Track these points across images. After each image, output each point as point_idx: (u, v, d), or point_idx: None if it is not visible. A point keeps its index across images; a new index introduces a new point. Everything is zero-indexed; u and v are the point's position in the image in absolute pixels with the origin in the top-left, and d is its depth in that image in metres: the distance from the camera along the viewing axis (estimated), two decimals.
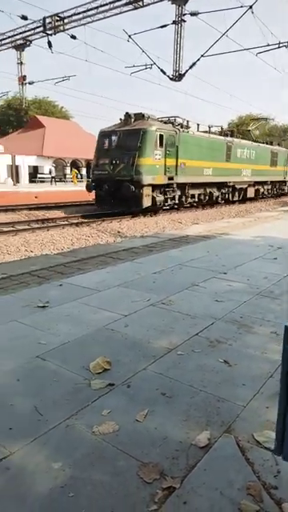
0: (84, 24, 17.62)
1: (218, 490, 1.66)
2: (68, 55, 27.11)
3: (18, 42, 21.60)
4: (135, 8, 15.55)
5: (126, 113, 16.08)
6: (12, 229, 11.37)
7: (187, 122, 17.87)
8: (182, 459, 1.83)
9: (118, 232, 11.80)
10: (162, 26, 14.74)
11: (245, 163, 22.31)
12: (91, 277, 5.11)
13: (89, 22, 17.30)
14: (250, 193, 23.89)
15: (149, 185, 14.90)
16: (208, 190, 19.31)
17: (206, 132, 19.51)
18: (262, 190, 25.74)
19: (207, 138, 18.82)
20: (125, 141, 15.06)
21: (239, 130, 31.72)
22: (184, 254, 6.59)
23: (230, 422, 2.11)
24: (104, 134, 16.08)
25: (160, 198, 15.82)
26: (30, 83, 23.77)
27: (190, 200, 18.08)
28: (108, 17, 16.67)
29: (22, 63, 23.49)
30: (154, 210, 15.79)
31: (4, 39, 21.65)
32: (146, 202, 14.93)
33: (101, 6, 16.58)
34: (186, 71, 15.07)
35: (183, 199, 17.47)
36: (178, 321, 3.52)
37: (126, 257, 6.42)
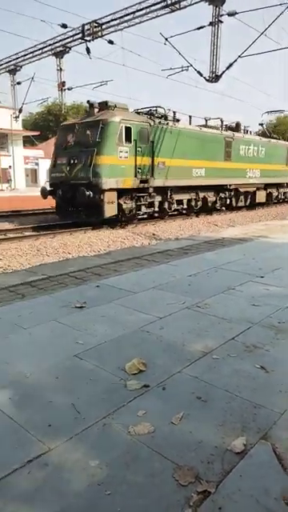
0: (121, 29, 17.88)
1: (254, 497, 1.64)
2: (106, 60, 27.65)
3: (58, 50, 22.17)
4: (172, 11, 15.57)
5: (88, 101, 13.35)
6: (50, 232, 11.66)
7: (174, 113, 14.74)
8: (217, 464, 1.82)
9: (153, 234, 11.84)
10: (198, 28, 14.68)
11: (252, 162, 18.95)
12: (127, 278, 5.17)
13: (126, 27, 17.55)
14: (260, 197, 20.19)
15: (112, 189, 12.02)
16: (201, 195, 16.14)
17: (200, 126, 16.38)
18: (275, 193, 22.01)
19: (197, 132, 15.51)
20: (83, 136, 12.21)
21: (277, 130, 29.95)
22: (220, 256, 6.53)
23: (267, 428, 2.07)
24: (64, 128, 13.33)
25: (129, 205, 12.88)
26: (68, 89, 24.31)
27: (175, 207, 14.89)
28: (144, 21, 16.82)
29: (61, 69, 24.06)
30: (124, 220, 13.03)
31: (45, 47, 22.29)
32: (110, 211, 12.07)
33: (137, 10, 16.76)
34: (223, 72, 14.90)
35: (166, 206, 14.38)
36: (214, 324, 3.50)
37: (161, 259, 6.44)
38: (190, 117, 16.48)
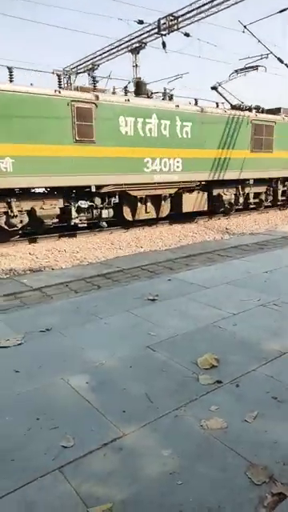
0: (198, 20, 17.63)
1: None
2: (181, 53, 27.48)
3: (134, 46, 22.52)
4: None
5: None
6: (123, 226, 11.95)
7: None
8: None
9: (226, 229, 11.59)
10: (281, 11, 13.91)
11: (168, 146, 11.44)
12: (199, 273, 5.13)
13: (203, 18, 17.26)
14: (188, 205, 12.45)
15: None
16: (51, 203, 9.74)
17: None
18: (226, 196, 13.56)
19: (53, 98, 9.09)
20: None
21: None
22: None
23: None
24: None
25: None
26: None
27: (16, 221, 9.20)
28: (222, 9, 16.37)
29: (136, 66, 24.41)
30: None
31: (121, 44, 22.77)
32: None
33: None
34: None
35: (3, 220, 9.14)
36: None
37: (235, 254, 6.29)
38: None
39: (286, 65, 14.38)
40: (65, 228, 10.67)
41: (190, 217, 12.92)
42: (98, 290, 4.64)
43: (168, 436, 1.99)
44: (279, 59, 14.46)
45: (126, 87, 12.11)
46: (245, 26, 14.39)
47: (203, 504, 1.58)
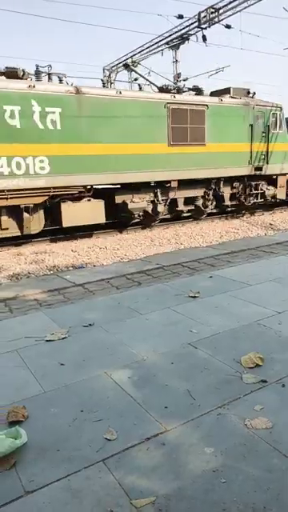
0: (240, 11, 17.19)
1: None
2: (222, 46, 26.88)
3: (174, 42, 22.36)
4: None
5: None
6: (163, 223, 11.94)
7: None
8: None
9: (270, 224, 11.26)
10: None
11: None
12: (241, 270, 5.03)
13: (245, 7, 16.82)
14: (71, 217, 9.43)
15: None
16: None
17: None
18: (135, 204, 10.50)
19: None
20: None
21: None
22: None
23: None
24: None
25: None
26: (184, 80, 24.39)
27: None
28: None
29: (176, 61, 24.24)
30: None
31: (161, 41, 22.68)
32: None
33: None
34: None
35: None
36: None
37: (280, 251, 6.10)
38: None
39: None
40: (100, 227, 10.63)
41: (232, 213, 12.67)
42: (139, 286, 4.67)
43: (211, 434, 1.97)
44: None
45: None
46: None
47: (248, 504, 1.55)
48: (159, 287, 4.50)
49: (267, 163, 12.71)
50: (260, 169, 12.57)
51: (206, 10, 18.15)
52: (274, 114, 12.71)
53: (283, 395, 2.26)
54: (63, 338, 3.17)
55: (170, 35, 21.55)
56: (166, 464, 1.80)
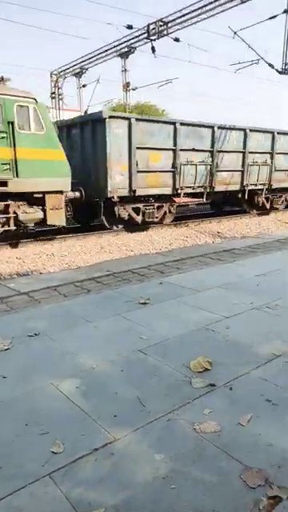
0: (187, 26, 17.76)
1: None
2: (171, 58, 27.65)
3: (123, 51, 22.61)
4: (242, 2, 15.09)
5: None
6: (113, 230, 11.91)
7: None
8: None
9: (218, 232, 11.62)
10: (270, 18, 14.11)
11: None
12: (190, 277, 5.11)
13: (193, 24, 17.40)
14: None
15: None
16: None
17: None
18: None
19: None
20: None
21: None
22: None
23: None
24: None
25: None
26: (133, 89, 24.69)
27: None
28: (213, 15, 16.51)
29: (125, 70, 24.50)
30: None
31: (110, 49, 22.83)
32: None
33: (205, 5, 16.51)
34: None
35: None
36: (285, 327, 3.33)
37: (227, 258, 6.29)
38: None
39: (276, 70, 14.58)
40: (54, 231, 10.58)
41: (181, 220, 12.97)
42: (88, 293, 4.59)
43: (161, 440, 1.95)
44: (270, 65, 14.65)
45: None
46: (235, 32, 14.56)
47: (197, 508, 1.54)
48: (109, 294, 4.45)
49: (16, 176, 8.84)
50: (4, 184, 8.79)
51: (155, 22, 18.57)
52: (21, 107, 8.84)
53: (231, 398, 2.30)
54: (6, 350, 3.01)
55: (119, 44, 21.76)
56: (115, 474, 1.75)
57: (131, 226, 11.84)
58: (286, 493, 1.59)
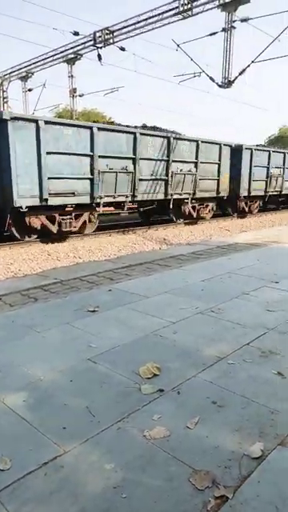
0: (133, 36, 18.05)
1: (273, 504, 1.62)
2: (117, 67, 27.91)
3: (70, 57, 22.47)
4: (184, 18, 15.67)
5: None
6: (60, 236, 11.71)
7: None
8: (234, 469, 1.80)
9: (164, 239, 11.83)
10: (210, 34, 14.76)
11: None
12: (139, 283, 5.16)
13: (138, 34, 17.72)
14: None
15: None
16: None
17: None
18: None
19: None
20: None
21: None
22: (233, 261, 6.49)
23: (285, 434, 2.04)
24: None
25: None
26: (80, 96, 24.59)
27: None
28: (157, 27, 16.95)
29: (72, 76, 24.35)
30: None
31: (56, 54, 22.59)
32: None
33: (150, 17, 16.91)
34: (236, 78, 14.91)
35: None
36: (228, 329, 3.47)
37: (173, 264, 6.43)
38: None
39: (216, 83, 15.22)
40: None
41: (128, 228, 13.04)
42: (35, 302, 4.48)
43: (111, 449, 1.95)
44: (211, 78, 15.27)
45: None
46: (178, 45, 15.03)
47: None
48: (57, 302, 4.38)
49: None
50: None
51: (102, 30, 18.68)
52: None
53: (179, 402, 2.35)
54: None
55: (65, 50, 21.60)
56: (66, 487, 1.72)
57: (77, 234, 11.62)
58: (232, 491, 1.65)
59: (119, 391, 2.47)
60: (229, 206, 17.12)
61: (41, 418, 2.21)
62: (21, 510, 1.59)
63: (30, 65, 23.87)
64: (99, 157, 10.97)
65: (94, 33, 18.79)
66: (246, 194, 16.94)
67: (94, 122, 14.77)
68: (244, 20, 14.06)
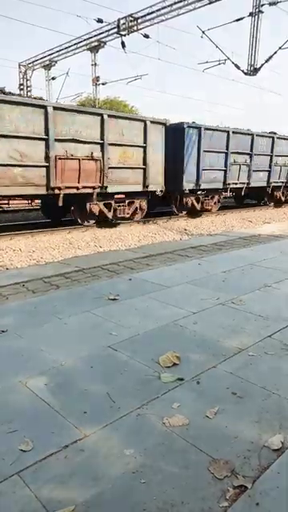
0: (157, 23, 17.78)
1: None
2: (141, 54, 27.53)
3: (93, 45, 22.36)
4: (210, 3, 15.31)
5: None
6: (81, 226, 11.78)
7: None
8: (253, 459, 1.79)
9: (185, 230, 11.76)
10: (237, 20, 14.37)
11: None
12: (159, 273, 5.16)
13: (162, 21, 17.44)
14: None
15: None
16: None
17: None
18: None
19: None
20: None
21: None
22: (255, 253, 6.40)
23: None
24: None
25: None
26: (103, 84, 24.49)
27: None
28: (182, 13, 16.63)
29: (95, 64, 24.24)
30: None
31: (79, 42, 22.51)
32: None
33: (175, 3, 16.60)
34: (262, 65, 14.51)
35: None
36: (249, 321, 3.44)
37: (194, 254, 6.39)
38: None
39: (242, 71, 14.86)
40: (22, 226, 10.36)
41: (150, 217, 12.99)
42: (57, 289, 4.54)
43: (130, 435, 1.97)
44: (236, 65, 14.91)
45: None
46: (203, 32, 14.72)
47: (167, 501, 1.57)
48: (78, 290, 4.42)
49: None
50: None
51: (126, 17, 18.47)
52: None
53: (198, 392, 2.35)
54: None
55: (89, 38, 21.50)
56: (85, 470, 1.75)
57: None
58: (251, 482, 1.65)
59: (139, 379, 2.49)
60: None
61: (62, 402, 2.25)
62: (42, 490, 1.63)
63: (53, 53, 23.88)
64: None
65: (118, 20, 18.61)
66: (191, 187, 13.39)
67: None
68: (273, 3, 13.59)
